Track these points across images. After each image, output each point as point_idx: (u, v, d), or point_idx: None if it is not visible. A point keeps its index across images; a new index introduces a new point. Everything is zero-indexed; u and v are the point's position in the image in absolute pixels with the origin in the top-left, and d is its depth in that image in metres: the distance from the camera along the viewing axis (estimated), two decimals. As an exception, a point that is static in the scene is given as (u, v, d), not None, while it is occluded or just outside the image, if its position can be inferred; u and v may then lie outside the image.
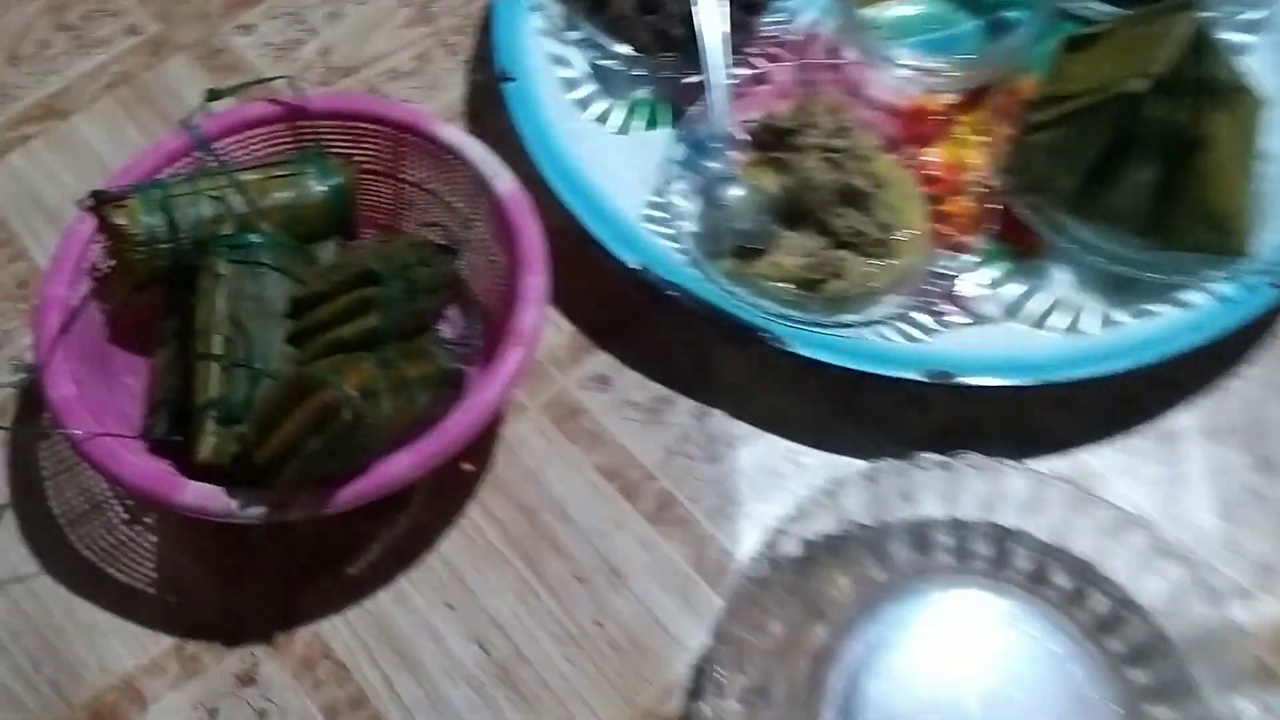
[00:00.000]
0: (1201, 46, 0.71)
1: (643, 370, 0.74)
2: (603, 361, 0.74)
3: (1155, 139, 0.70)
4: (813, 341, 0.70)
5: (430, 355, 0.66)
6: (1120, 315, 0.74)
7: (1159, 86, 0.69)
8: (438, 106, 0.85)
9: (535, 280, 0.67)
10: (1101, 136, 0.71)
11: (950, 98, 0.82)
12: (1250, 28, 0.86)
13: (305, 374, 0.59)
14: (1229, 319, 0.71)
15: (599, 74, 0.85)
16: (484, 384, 0.63)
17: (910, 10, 0.88)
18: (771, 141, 0.79)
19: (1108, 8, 0.83)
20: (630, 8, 0.83)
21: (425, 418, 0.63)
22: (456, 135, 0.72)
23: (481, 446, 0.70)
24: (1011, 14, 0.87)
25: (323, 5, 0.90)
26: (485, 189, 0.71)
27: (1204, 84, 0.70)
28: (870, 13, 0.87)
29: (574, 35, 0.84)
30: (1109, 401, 0.73)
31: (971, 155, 0.78)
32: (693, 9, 0.81)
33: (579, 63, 0.85)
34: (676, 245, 0.75)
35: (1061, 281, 0.76)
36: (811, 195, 0.74)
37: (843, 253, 0.73)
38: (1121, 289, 0.75)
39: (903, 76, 0.80)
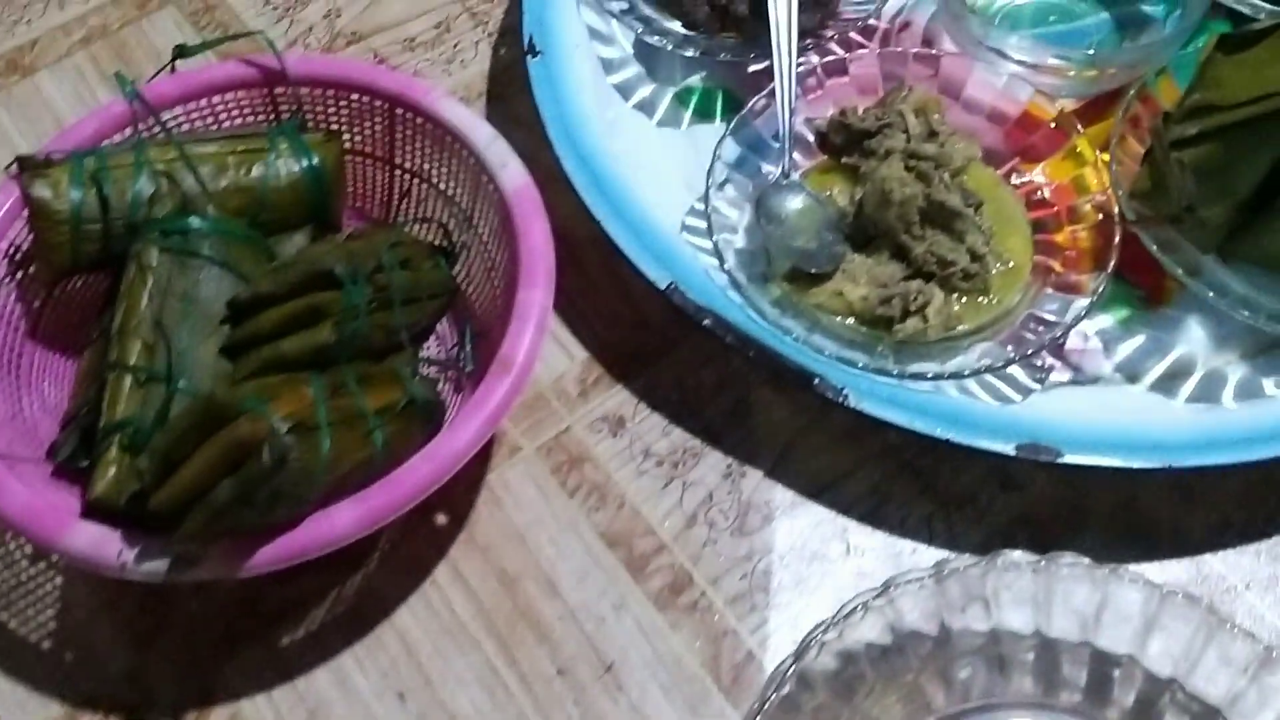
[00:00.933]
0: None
1: (667, 413, 0.61)
2: (619, 399, 0.61)
3: (1335, 165, 0.55)
4: (877, 395, 0.56)
5: (400, 381, 0.54)
6: (1270, 386, 0.59)
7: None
8: (456, 84, 0.73)
9: (535, 296, 0.54)
10: (1264, 158, 0.56)
11: (1069, 104, 0.68)
12: None
13: (220, 398, 0.47)
14: None
15: (645, 54, 0.72)
16: (460, 424, 0.51)
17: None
18: (845, 144, 0.65)
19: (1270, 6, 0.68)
20: (687, -21, 0.70)
21: (387, 458, 0.51)
22: (460, 113, 0.60)
23: (459, 493, 0.58)
24: (1150, 7, 0.72)
25: (337, -39, 0.79)
26: (489, 180, 0.58)
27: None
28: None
29: (619, 6, 0.71)
30: (1247, 494, 0.58)
31: (1090, 175, 0.63)
32: (761, -19, 0.67)
33: (624, 40, 0.72)
34: (719, 263, 0.61)
35: (1195, 338, 0.61)
36: (889, 211, 0.60)
37: (923, 284, 0.59)
38: (1272, 352, 0.60)
39: (1012, 75, 0.66)
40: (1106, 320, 0.62)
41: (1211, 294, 0.58)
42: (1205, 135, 0.58)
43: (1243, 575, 0.56)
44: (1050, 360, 0.60)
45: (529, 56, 0.67)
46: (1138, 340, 0.61)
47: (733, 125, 0.65)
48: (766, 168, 0.65)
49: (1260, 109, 0.55)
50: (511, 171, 0.58)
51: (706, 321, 0.58)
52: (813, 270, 0.60)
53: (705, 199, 0.62)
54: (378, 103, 0.61)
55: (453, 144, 0.60)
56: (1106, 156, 0.63)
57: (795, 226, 0.62)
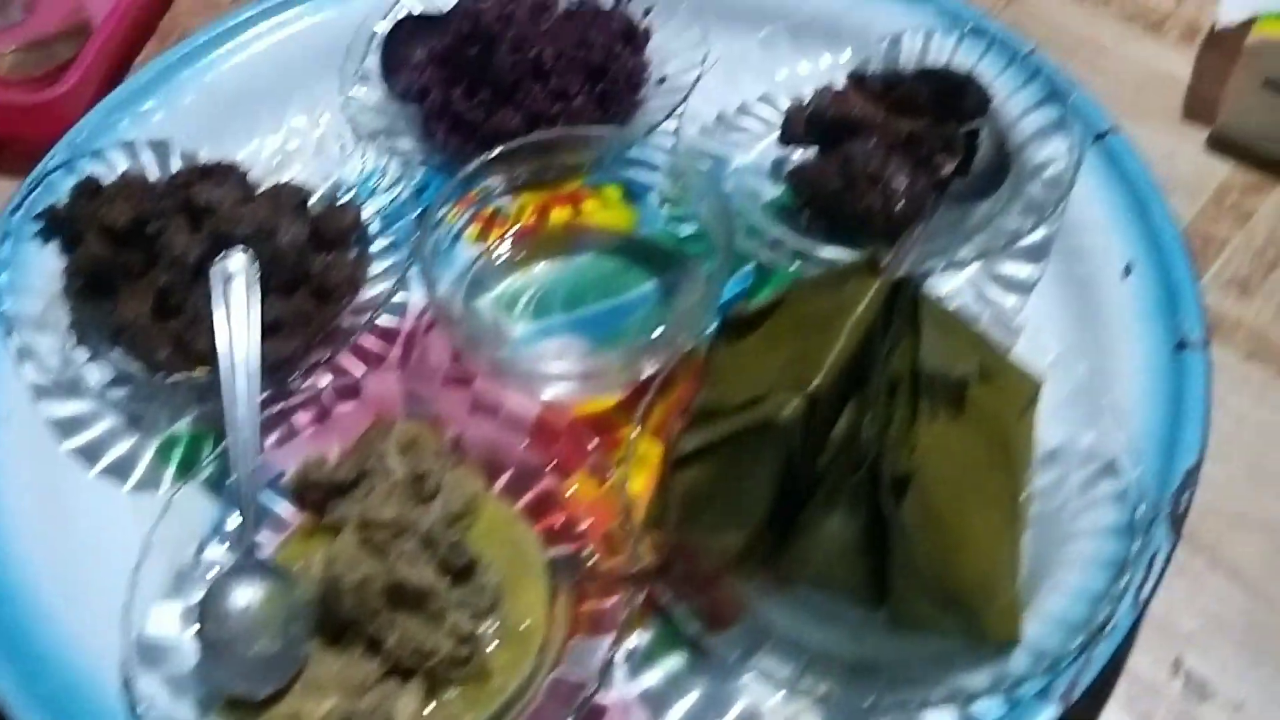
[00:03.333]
0: (912, 321, 0.47)
1: None
2: None
3: (840, 475, 0.45)
4: None
5: None
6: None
7: (825, 402, 0.44)
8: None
9: None
10: (762, 480, 0.46)
11: (609, 399, 0.58)
12: (1034, 254, 0.62)
13: None
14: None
15: (122, 403, 0.60)
16: None
17: (554, 274, 0.64)
18: (326, 501, 0.53)
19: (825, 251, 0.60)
20: (145, 310, 0.59)
21: None
22: None
23: None
24: (701, 267, 0.63)
25: None
26: None
27: (917, 380, 0.46)
28: (504, 287, 0.63)
29: (82, 355, 0.59)
30: None
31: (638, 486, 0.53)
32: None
33: (93, 392, 0.59)
34: (130, 707, 0.47)
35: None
36: (344, 600, 0.48)
37: (395, 688, 0.47)
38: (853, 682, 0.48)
39: (541, 373, 0.56)
40: (667, 668, 0.50)
41: (737, 652, 0.47)
42: (702, 452, 0.47)
43: None
44: (589, 739, 0.48)
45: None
46: (691, 697, 0.49)
47: (171, 498, 0.52)
48: (218, 545, 0.52)
49: (745, 421, 0.45)
50: None
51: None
52: (260, 695, 0.47)
53: (126, 608, 0.49)
54: None
55: None
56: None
57: (253, 625, 0.49)
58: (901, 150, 0.62)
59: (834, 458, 0.45)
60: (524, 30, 0.66)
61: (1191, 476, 0.50)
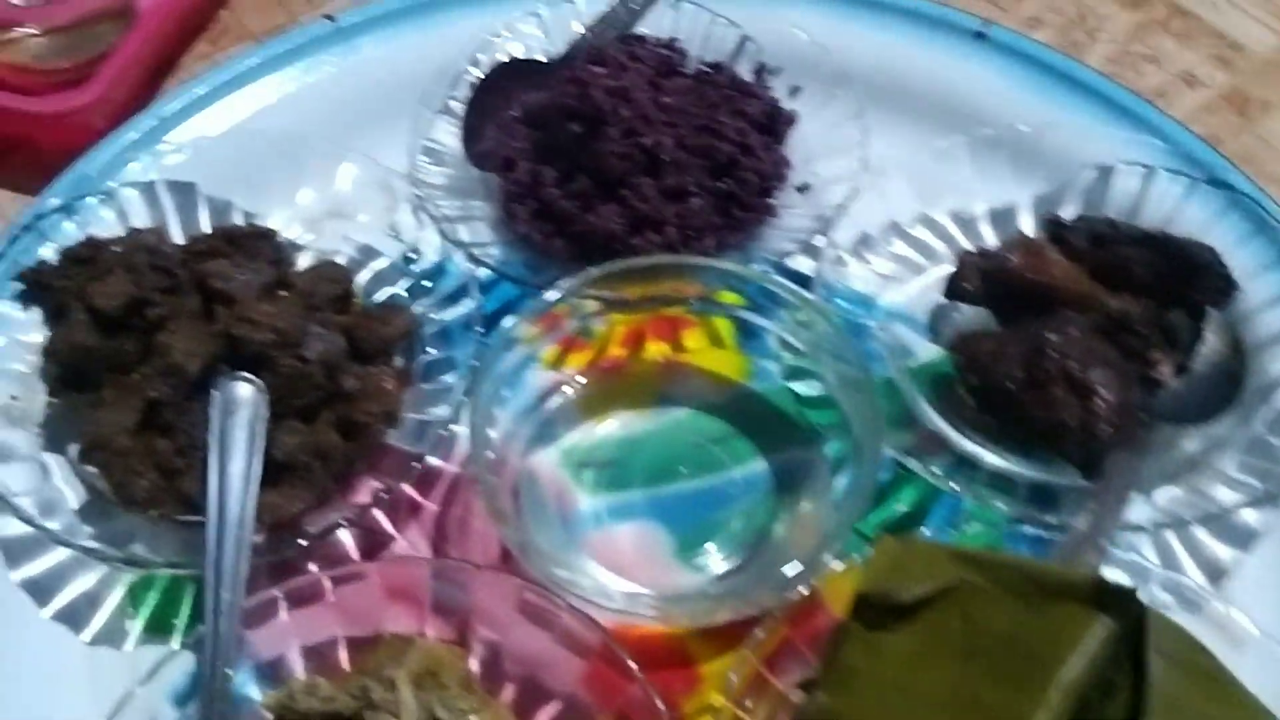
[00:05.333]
0: (1135, 668, 0.33)
1: None
2: None
3: None
4: None
5: None
6: None
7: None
8: None
9: None
10: None
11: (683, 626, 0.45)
12: (1240, 539, 0.47)
13: None
14: None
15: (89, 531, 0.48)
16: None
17: (640, 428, 0.50)
18: (315, 725, 0.41)
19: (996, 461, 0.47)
20: (129, 425, 0.46)
21: None
22: None
23: None
24: (821, 452, 0.49)
25: None
26: None
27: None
28: (577, 438, 0.50)
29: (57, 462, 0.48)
30: None
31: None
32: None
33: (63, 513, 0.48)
34: None
35: None
36: None
37: None
38: None
39: (601, 605, 0.43)
40: None
41: None
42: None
43: None
44: None
45: None
46: None
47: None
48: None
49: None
50: None
51: None
52: None
53: None
54: None
55: None
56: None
57: None
58: (1108, 338, 0.48)
59: None
60: (641, 110, 0.53)
61: None
